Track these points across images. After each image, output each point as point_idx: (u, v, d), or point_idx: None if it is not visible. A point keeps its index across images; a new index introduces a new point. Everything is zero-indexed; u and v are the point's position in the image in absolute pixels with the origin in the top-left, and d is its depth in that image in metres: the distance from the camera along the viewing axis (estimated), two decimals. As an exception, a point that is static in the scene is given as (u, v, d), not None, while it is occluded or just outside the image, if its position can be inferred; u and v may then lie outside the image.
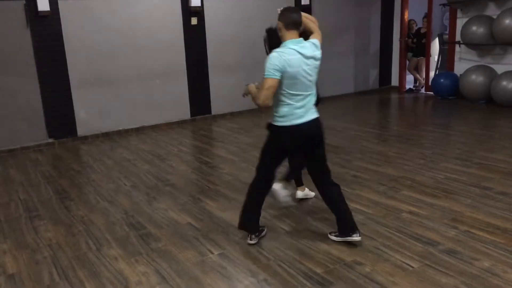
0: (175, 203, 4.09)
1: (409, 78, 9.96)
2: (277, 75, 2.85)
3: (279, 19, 2.94)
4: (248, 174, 4.74)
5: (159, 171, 5.02)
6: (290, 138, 3.02)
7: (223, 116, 7.91)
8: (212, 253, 3.14)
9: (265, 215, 3.70)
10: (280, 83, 2.88)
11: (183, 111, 7.58)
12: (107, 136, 6.83)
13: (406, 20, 9.49)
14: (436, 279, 2.69)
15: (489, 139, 5.74)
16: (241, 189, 4.32)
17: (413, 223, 3.42)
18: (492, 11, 7.83)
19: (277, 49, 2.90)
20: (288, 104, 2.96)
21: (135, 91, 7.03)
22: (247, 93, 3.18)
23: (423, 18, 9.45)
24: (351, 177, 4.51)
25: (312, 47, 2.96)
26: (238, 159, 5.34)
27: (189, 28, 7.35)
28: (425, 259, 2.91)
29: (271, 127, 3.08)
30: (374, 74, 9.88)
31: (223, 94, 7.90)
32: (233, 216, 3.71)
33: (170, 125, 7.37)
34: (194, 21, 7.37)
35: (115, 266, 3.01)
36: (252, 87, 3.13)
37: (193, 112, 7.68)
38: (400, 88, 9.68)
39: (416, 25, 9.62)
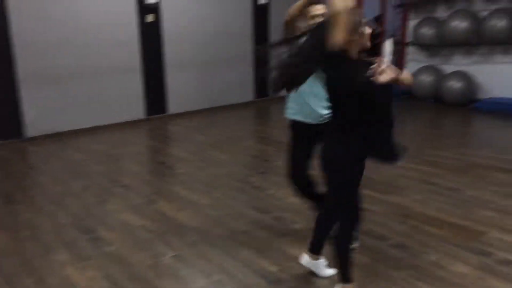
0: (128, 204, 3.99)
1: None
2: None
3: None
4: (205, 174, 4.71)
5: (112, 172, 4.88)
6: None
7: (179, 115, 7.82)
8: (166, 255, 3.08)
9: (220, 215, 3.68)
10: None
11: (138, 110, 7.42)
12: (57, 136, 6.58)
13: (360, 20, 9.70)
14: (386, 273, 2.75)
15: (437, 136, 5.96)
16: (198, 189, 4.29)
17: (364, 219, 3.48)
18: (441, 13, 8.14)
19: None
20: None
21: (88, 89, 6.81)
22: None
23: (375, 19, 9.69)
24: (306, 175, 4.56)
25: None
26: (194, 159, 5.28)
27: (144, 24, 7.20)
28: (376, 253, 2.98)
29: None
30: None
31: (180, 93, 7.81)
32: (189, 217, 3.67)
33: (124, 125, 7.20)
34: (150, 17, 7.24)
35: (63, 272, 2.90)
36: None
37: (149, 111, 7.54)
38: (355, 87, 9.87)
39: (371, 26, 9.86)
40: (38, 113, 6.40)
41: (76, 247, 3.23)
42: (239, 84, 8.48)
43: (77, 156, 5.56)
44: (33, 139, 6.37)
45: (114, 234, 3.42)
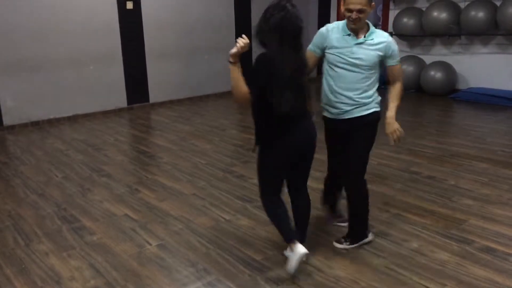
0: (111, 194, 3.96)
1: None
2: None
3: None
4: (188, 163, 4.69)
5: (94, 162, 4.83)
6: None
7: (162, 104, 7.75)
8: (150, 244, 3.08)
9: (204, 204, 3.68)
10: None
11: (120, 98, 7.33)
12: (36, 125, 6.46)
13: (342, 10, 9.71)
14: (369, 260, 2.80)
15: (417, 126, 6.05)
16: (180, 179, 4.28)
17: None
18: (422, 3, 8.21)
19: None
20: None
21: (67, 76, 6.69)
22: None
23: None
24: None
25: None
26: (177, 148, 5.26)
27: (124, 12, 7.08)
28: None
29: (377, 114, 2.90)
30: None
31: (161, 81, 7.73)
32: (172, 206, 3.66)
33: (105, 114, 7.11)
34: (129, 5, 7.11)
35: (46, 262, 2.87)
36: None
37: (130, 100, 7.45)
38: (337, 77, 9.92)
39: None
40: (16, 102, 6.27)
41: (59, 237, 3.20)
42: (222, 73, 8.42)
43: (58, 145, 5.48)
44: (12, 127, 6.24)
45: (98, 224, 3.39)
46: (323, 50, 2.79)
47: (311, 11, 9.73)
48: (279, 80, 2.37)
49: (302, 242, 2.63)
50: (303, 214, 2.81)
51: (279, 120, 2.47)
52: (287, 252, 2.64)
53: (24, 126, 6.36)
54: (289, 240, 2.59)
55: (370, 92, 2.84)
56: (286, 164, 2.62)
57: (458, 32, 7.62)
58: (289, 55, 2.39)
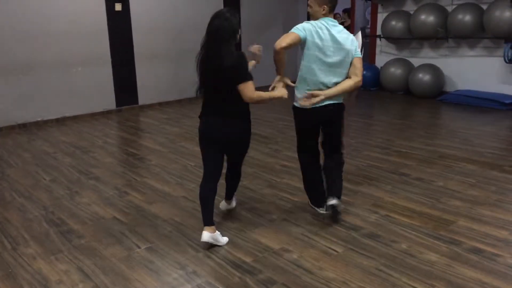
0: (99, 197, 3.92)
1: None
2: (302, 34, 3.12)
3: None
4: (177, 166, 4.67)
5: (82, 164, 4.78)
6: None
7: (151, 106, 7.71)
8: (139, 247, 3.05)
9: (194, 206, 3.67)
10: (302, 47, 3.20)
11: (108, 101, 7.28)
12: (24, 127, 6.39)
13: (332, 13, 9.75)
14: (359, 262, 2.81)
15: (406, 128, 6.10)
16: (169, 181, 4.26)
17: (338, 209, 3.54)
18: (409, 6, 8.28)
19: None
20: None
21: (55, 78, 6.63)
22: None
23: (343, 12, 9.79)
24: (280, 166, 4.59)
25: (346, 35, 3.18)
26: (166, 150, 5.23)
27: (113, 14, 7.04)
28: (349, 243, 3.04)
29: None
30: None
31: (150, 84, 7.70)
32: (162, 209, 3.64)
33: (94, 116, 7.05)
34: (118, 7, 7.08)
35: (33, 266, 2.84)
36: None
37: (119, 102, 7.41)
38: (326, 79, 9.95)
39: (341, 18, 9.94)
40: (3, 104, 6.19)
41: (47, 240, 3.16)
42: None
43: (46, 148, 5.42)
44: (-2, 130, 6.17)
45: (86, 227, 3.36)
46: None
47: (300, 13, 9.76)
48: (199, 71, 2.90)
49: (228, 199, 3.46)
50: (228, 185, 3.41)
51: (203, 104, 2.99)
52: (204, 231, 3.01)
53: (11, 128, 6.28)
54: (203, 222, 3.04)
55: None
56: (203, 147, 3.04)
57: (445, 35, 7.70)
58: (214, 52, 2.81)
